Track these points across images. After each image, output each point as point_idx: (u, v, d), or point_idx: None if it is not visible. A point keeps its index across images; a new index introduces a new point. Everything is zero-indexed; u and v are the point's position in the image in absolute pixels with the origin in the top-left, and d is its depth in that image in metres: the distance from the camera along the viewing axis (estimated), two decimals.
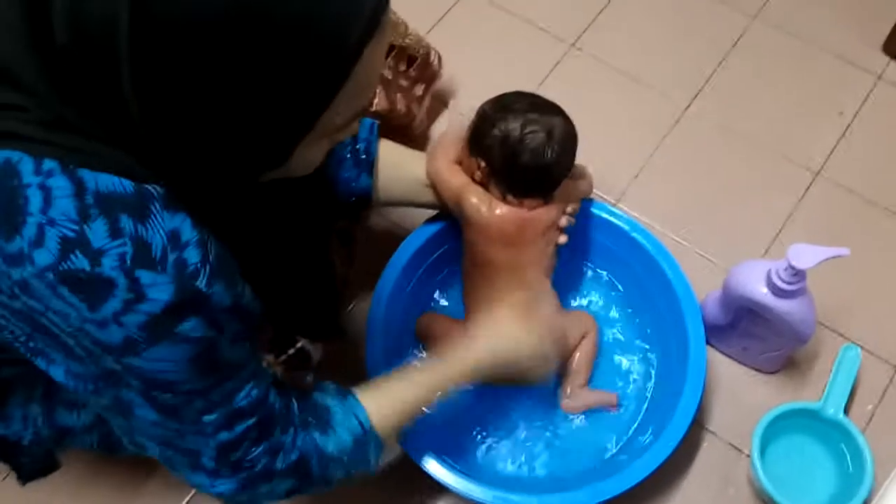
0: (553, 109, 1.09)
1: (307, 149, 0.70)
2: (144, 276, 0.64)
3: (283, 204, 0.90)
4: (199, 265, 0.67)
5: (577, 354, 1.20)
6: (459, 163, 1.13)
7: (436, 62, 1.36)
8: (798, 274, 1.03)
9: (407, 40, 1.25)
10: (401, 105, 1.22)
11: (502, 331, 1.03)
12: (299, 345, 1.05)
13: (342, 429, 0.85)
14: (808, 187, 1.40)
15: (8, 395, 0.96)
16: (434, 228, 1.22)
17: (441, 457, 1.07)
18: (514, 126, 1.06)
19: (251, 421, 0.77)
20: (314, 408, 0.86)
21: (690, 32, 1.58)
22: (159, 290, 0.64)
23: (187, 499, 1.17)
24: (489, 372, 1.00)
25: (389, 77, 1.23)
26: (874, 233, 1.36)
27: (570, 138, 1.08)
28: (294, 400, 0.84)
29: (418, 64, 1.28)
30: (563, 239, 1.12)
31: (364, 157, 1.10)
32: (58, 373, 0.71)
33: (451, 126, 1.17)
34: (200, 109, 0.61)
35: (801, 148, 1.44)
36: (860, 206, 1.39)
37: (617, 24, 1.59)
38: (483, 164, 1.09)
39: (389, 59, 1.23)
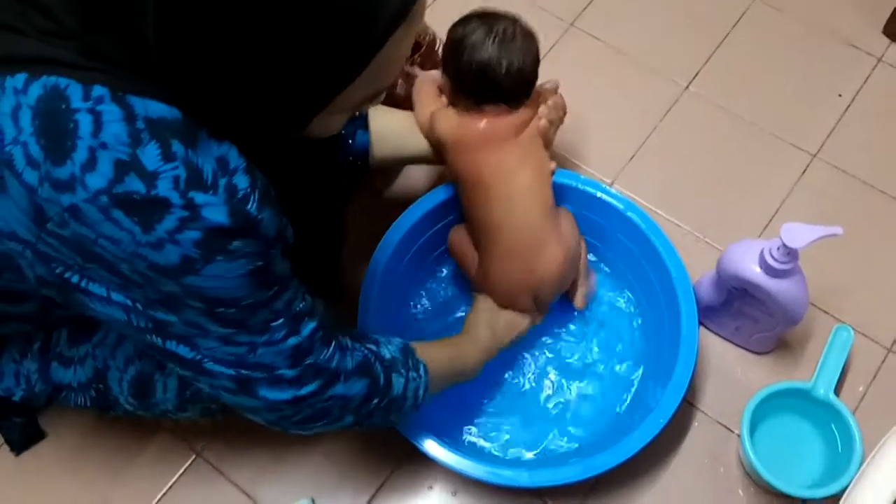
0: (499, 14, 1.10)
1: (326, 118, 0.71)
2: (198, 197, 0.64)
3: (295, 159, 0.91)
4: (248, 190, 0.68)
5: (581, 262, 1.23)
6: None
7: (440, 49, 1.35)
8: (791, 253, 1.03)
9: None
10: (401, 90, 1.22)
11: (496, 326, 1.14)
12: None
13: (389, 344, 0.92)
14: (806, 169, 1.40)
15: (1, 352, 0.97)
16: (432, 202, 1.23)
17: (435, 434, 1.08)
18: (458, 30, 1.09)
19: (314, 323, 0.79)
20: (356, 330, 0.91)
21: (690, 13, 1.58)
22: (213, 210, 0.65)
23: (183, 468, 1.18)
24: (494, 352, 1.12)
25: (419, 25, 1.22)
26: (870, 215, 1.36)
27: (515, 36, 1.08)
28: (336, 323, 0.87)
29: (423, 51, 1.28)
30: (543, 123, 1.12)
31: (357, 113, 1.10)
32: (119, 299, 0.70)
33: (422, 74, 1.19)
34: (220, 68, 0.62)
35: (800, 130, 1.44)
36: (857, 189, 1.39)
37: (616, 3, 1.59)
38: (446, 80, 1.11)
39: None
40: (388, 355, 0.90)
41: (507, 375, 1.23)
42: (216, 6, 0.58)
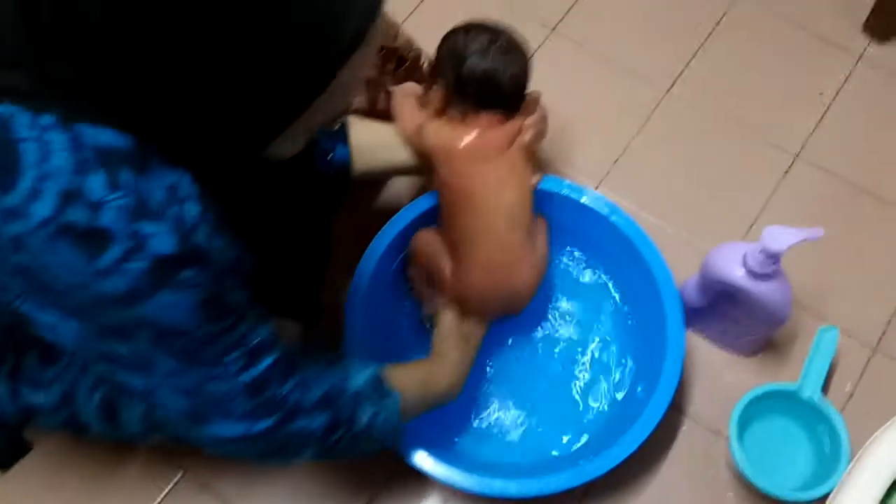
0: (499, 26, 1.13)
1: (284, 140, 0.70)
2: (144, 226, 0.64)
3: (269, 178, 0.91)
4: (198, 219, 0.67)
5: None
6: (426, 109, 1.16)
7: (425, 65, 1.35)
8: (773, 256, 1.03)
9: (397, 42, 1.24)
10: (382, 104, 1.22)
11: (466, 340, 1.13)
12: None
13: (359, 373, 0.89)
14: (788, 169, 1.40)
15: None
16: (416, 212, 1.22)
17: (422, 445, 1.08)
18: (461, 38, 1.11)
19: (273, 356, 0.77)
20: (326, 358, 0.88)
21: (671, 15, 1.58)
22: (159, 240, 0.64)
23: (171, 485, 1.18)
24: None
25: (374, 76, 1.22)
26: (853, 214, 1.36)
27: (515, 45, 1.13)
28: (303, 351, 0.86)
29: (407, 66, 1.27)
30: (529, 135, 1.13)
31: (336, 127, 1.11)
32: (68, 328, 0.70)
33: (401, 87, 1.20)
34: (173, 94, 0.61)
35: (782, 130, 1.44)
36: (840, 188, 1.39)
37: (598, 8, 1.59)
38: (440, 86, 1.12)
39: (377, 57, 1.22)
40: (355, 387, 0.87)
41: (494, 382, 1.23)
42: (167, 32, 0.57)
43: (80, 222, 0.62)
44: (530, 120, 1.13)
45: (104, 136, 0.64)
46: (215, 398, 0.75)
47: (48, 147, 0.62)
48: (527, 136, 1.12)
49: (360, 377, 0.89)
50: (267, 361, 0.76)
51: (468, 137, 1.11)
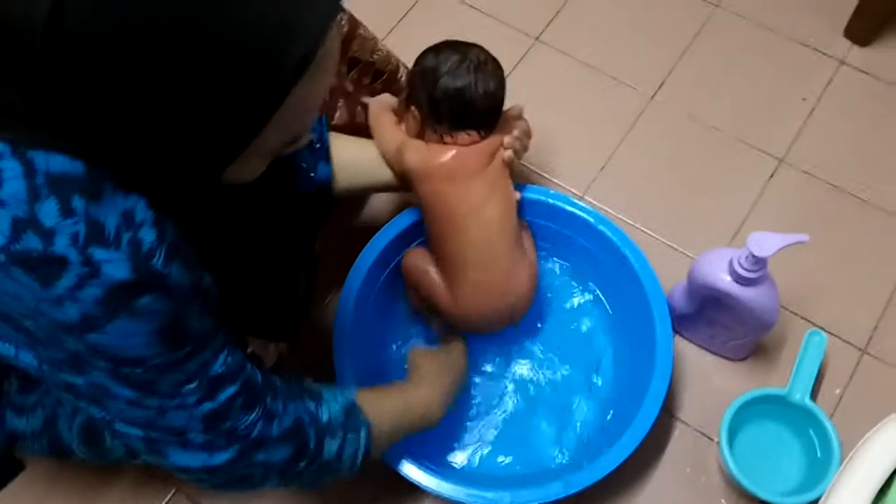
0: (469, 43, 1.13)
1: (240, 166, 0.69)
2: (98, 253, 0.63)
3: (240, 200, 0.89)
4: (154, 244, 0.66)
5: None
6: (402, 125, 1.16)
7: (403, 78, 1.35)
8: (759, 262, 1.04)
9: (376, 56, 1.24)
10: (361, 118, 1.22)
11: (449, 375, 1.12)
12: (250, 350, 1.05)
13: (333, 402, 0.87)
14: (773, 174, 1.41)
15: None
16: (403, 225, 1.23)
17: (413, 458, 1.08)
18: (431, 59, 1.11)
19: (234, 388, 0.76)
20: (299, 384, 0.86)
21: (653, 23, 1.59)
22: (114, 267, 0.63)
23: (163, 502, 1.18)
24: (452, 396, 1.10)
25: (351, 90, 1.22)
26: (839, 217, 1.37)
27: (487, 62, 1.11)
28: (274, 375, 0.84)
29: (385, 79, 1.27)
30: (508, 154, 1.13)
31: (318, 145, 1.10)
32: (27, 358, 0.69)
33: (376, 100, 1.20)
34: (117, 118, 0.60)
35: (765, 135, 1.45)
36: (824, 191, 1.39)
37: (580, 16, 1.60)
38: (415, 109, 1.12)
39: (354, 72, 1.22)
40: (325, 417, 0.86)
41: (484, 395, 1.23)
42: (109, 61, 0.57)
43: (33, 250, 0.61)
44: (509, 138, 1.13)
45: (56, 163, 0.63)
46: (173, 428, 0.74)
47: (1, 175, 0.61)
48: (507, 153, 1.12)
49: (332, 406, 0.87)
50: (228, 392, 0.75)
51: (446, 158, 1.11)
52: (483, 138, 1.12)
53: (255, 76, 0.60)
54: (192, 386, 0.72)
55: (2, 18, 0.57)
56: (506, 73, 1.47)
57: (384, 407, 0.97)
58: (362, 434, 0.90)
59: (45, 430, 0.95)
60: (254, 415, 0.78)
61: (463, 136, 1.11)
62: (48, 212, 0.62)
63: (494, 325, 1.18)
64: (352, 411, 0.90)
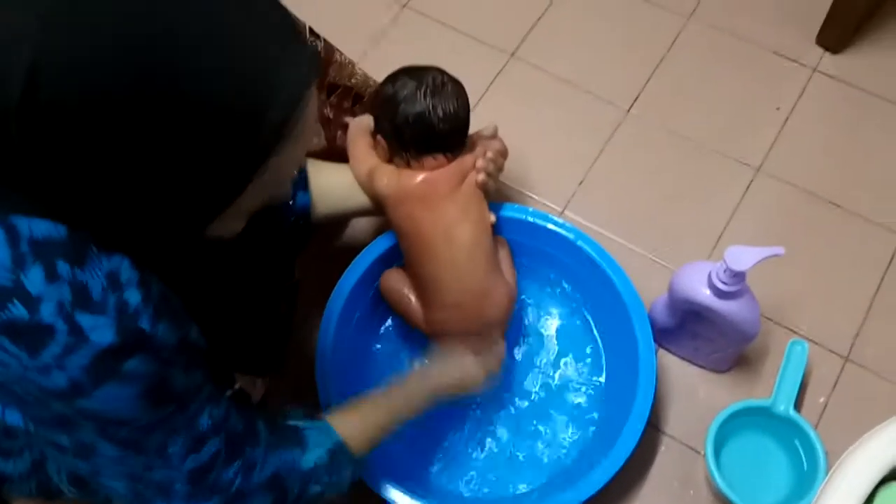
0: (425, 67, 1.12)
1: (221, 224, 0.69)
2: (84, 319, 0.63)
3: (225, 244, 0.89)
4: (140, 304, 0.66)
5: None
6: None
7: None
8: (737, 275, 1.04)
9: (353, 80, 1.24)
10: (341, 141, 1.22)
11: (454, 360, 1.09)
12: (237, 386, 1.05)
13: (315, 447, 0.86)
14: (750, 183, 1.42)
15: None
16: (381, 249, 1.22)
17: (398, 481, 1.07)
18: (389, 88, 1.11)
19: (218, 441, 0.76)
20: (284, 429, 0.86)
21: (627, 36, 1.59)
22: (100, 332, 0.63)
23: None
24: (442, 397, 1.05)
25: (331, 116, 1.22)
26: (817, 225, 1.37)
27: (445, 84, 1.10)
28: (260, 420, 0.84)
29: (365, 102, 1.27)
30: (481, 177, 1.12)
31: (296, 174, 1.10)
32: (14, 416, 0.70)
33: (355, 122, 1.19)
34: (96, 184, 0.60)
35: (741, 145, 1.46)
36: (802, 200, 1.40)
37: (554, 32, 1.60)
38: (381, 137, 1.12)
39: (333, 97, 1.22)
40: (310, 465, 0.85)
41: (464, 416, 1.22)
42: (88, 129, 0.57)
43: (19, 319, 0.61)
44: (481, 161, 1.13)
45: (39, 228, 0.63)
46: (157, 482, 0.74)
47: None
48: (479, 176, 1.12)
49: (316, 451, 0.86)
50: (212, 448, 0.75)
51: (415, 183, 1.11)
52: (451, 160, 1.12)
53: (233, 143, 0.60)
54: (178, 443, 0.73)
55: None
56: (482, 90, 1.51)
57: (366, 431, 0.95)
58: (347, 474, 0.90)
59: (34, 473, 0.94)
60: (235, 466, 0.78)
61: (429, 160, 1.11)
62: (33, 279, 0.62)
63: (471, 343, 1.15)
64: (337, 454, 0.89)
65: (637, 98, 1.51)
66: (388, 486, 1.06)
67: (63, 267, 0.63)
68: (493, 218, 1.16)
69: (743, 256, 1.01)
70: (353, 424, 0.93)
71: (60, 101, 0.56)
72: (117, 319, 0.64)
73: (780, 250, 1.02)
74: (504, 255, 1.20)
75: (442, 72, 1.12)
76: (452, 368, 1.08)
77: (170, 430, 0.72)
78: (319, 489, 0.86)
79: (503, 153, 1.18)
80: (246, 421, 0.81)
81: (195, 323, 0.75)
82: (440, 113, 1.09)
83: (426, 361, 1.12)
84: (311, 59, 0.66)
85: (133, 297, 0.66)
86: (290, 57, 0.63)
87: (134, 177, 0.60)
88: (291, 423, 0.87)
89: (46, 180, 0.60)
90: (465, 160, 1.13)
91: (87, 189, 0.60)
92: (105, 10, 0.56)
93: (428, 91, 1.09)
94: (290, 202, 1.10)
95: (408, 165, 1.12)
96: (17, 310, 0.61)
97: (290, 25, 0.65)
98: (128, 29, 0.56)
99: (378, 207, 1.16)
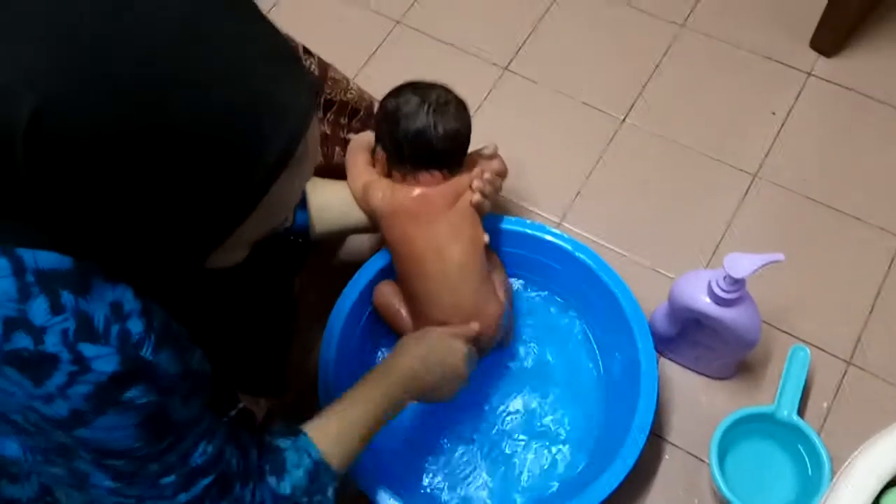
0: (430, 84, 1.13)
1: (222, 254, 0.70)
2: (88, 349, 0.64)
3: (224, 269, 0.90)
4: (143, 334, 0.67)
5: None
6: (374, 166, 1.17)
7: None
8: (737, 282, 1.04)
9: (349, 95, 1.24)
10: (339, 158, 1.22)
11: (431, 342, 1.07)
12: (241, 405, 1.05)
13: (295, 469, 0.86)
14: (748, 190, 1.42)
15: None
16: (380, 264, 1.22)
17: (394, 491, 1.07)
18: (391, 102, 1.11)
19: (209, 479, 0.76)
20: (267, 452, 0.86)
21: (620, 46, 1.60)
22: (104, 362, 0.64)
23: None
24: (422, 391, 1.04)
25: (328, 132, 1.22)
26: (815, 229, 1.37)
27: (448, 103, 1.11)
28: (254, 448, 0.84)
29: (361, 116, 1.28)
30: (476, 198, 1.12)
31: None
32: (11, 448, 0.71)
33: (356, 139, 1.20)
34: (101, 216, 0.61)
35: (738, 151, 1.46)
36: (800, 204, 1.40)
37: (548, 44, 1.60)
38: (380, 150, 1.13)
39: (329, 114, 1.23)
40: (288, 490, 0.84)
41: (464, 427, 1.22)
42: (92, 160, 0.57)
43: (24, 349, 0.63)
44: (477, 181, 1.13)
45: (44, 259, 0.64)
46: None
47: None
48: (475, 197, 1.12)
49: (295, 474, 0.85)
50: (204, 483, 0.76)
51: (409, 200, 1.11)
52: (447, 178, 1.12)
53: (234, 175, 0.61)
54: (171, 478, 0.73)
55: None
56: (477, 104, 1.51)
57: (349, 433, 0.93)
58: (329, 493, 0.89)
59: (43, 496, 0.95)
60: (228, 500, 0.78)
61: (426, 176, 1.11)
62: (38, 310, 0.63)
63: None
64: (317, 473, 0.88)
65: (632, 107, 1.52)
66: (386, 495, 1.06)
67: (67, 297, 0.64)
68: (486, 238, 1.15)
69: (742, 263, 1.01)
70: (332, 436, 0.91)
71: (65, 136, 0.56)
72: (120, 349, 0.65)
73: (779, 256, 1.02)
74: (498, 276, 1.20)
75: (447, 90, 1.13)
76: (421, 343, 1.07)
77: (164, 464, 0.72)
78: None
79: (502, 173, 1.18)
80: (239, 455, 0.81)
81: (199, 347, 0.76)
82: (440, 131, 1.09)
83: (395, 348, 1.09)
84: (310, 88, 0.66)
85: (135, 326, 0.67)
86: (290, 88, 0.63)
87: (136, 209, 0.61)
88: (272, 443, 0.87)
89: (50, 212, 0.61)
90: (462, 179, 1.13)
91: (89, 221, 0.61)
92: (108, 48, 0.56)
93: (430, 108, 1.10)
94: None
95: (404, 179, 1.12)
96: (23, 340, 0.63)
97: (290, 55, 0.66)
98: (130, 66, 0.56)
99: (374, 223, 1.16)
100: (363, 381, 1.00)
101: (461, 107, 1.13)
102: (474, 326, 1.13)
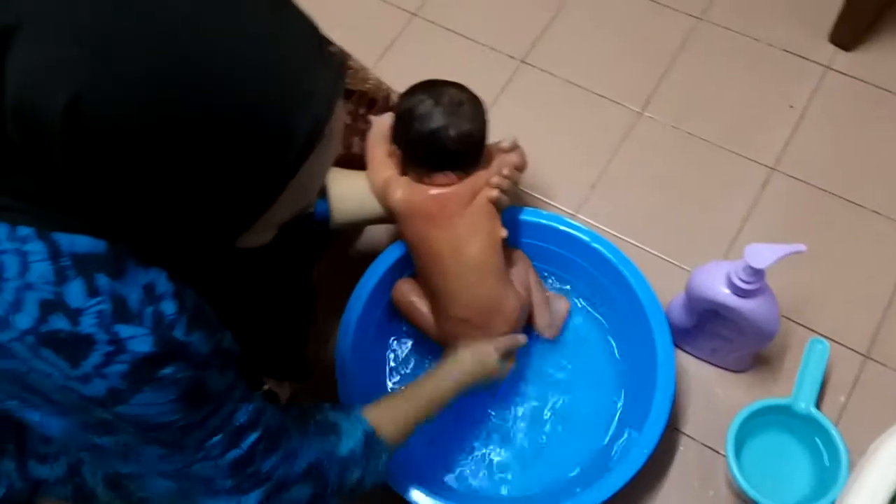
0: (445, 83, 1.12)
1: (252, 235, 0.71)
2: (123, 329, 0.65)
3: (250, 251, 0.91)
4: (176, 315, 0.68)
5: (533, 294, 1.22)
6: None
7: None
8: (757, 273, 1.03)
9: (367, 85, 1.24)
10: (357, 148, 1.22)
11: (480, 349, 1.10)
12: (266, 387, 1.06)
13: (349, 435, 0.89)
14: (766, 183, 1.41)
15: None
16: (398, 253, 1.23)
17: (422, 484, 1.08)
18: (406, 102, 1.11)
19: (256, 434, 0.78)
20: (318, 421, 0.88)
21: (638, 38, 1.59)
22: (139, 342, 0.66)
23: None
24: (465, 389, 1.07)
25: (349, 122, 1.22)
26: (833, 223, 1.37)
27: (463, 103, 1.10)
28: (289, 416, 0.86)
29: (379, 107, 1.28)
30: (493, 194, 1.12)
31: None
32: (56, 425, 0.71)
33: (376, 125, 1.19)
34: (136, 201, 0.62)
35: (756, 144, 1.45)
36: (818, 198, 1.39)
37: (565, 36, 1.60)
38: (396, 147, 1.12)
39: (348, 103, 1.23)
40: (345, 451, 0.88)
41: (488, 414, 1.23)
42: (128, 145, 0.58)
43: (61, 331, 0.64)
44: (496, 178, 1.12)
45: (80, 243, 0.65)
46: (201, 478, 0.76)
47: (27, 258, 0.64)
48: (493, 193, 1.12)
49: (350, 440, 0.89)
50: (250, 439, 0.77)
51: (426, 200, 1.11)
52: (463, 178, 1.12)
53: (265, 158, 0.62)
54: (217, 439, 0.75)
55: (21, 114, 0.58)
56: (493, 97, 1.51)
57: (398, 421, 0.97)
58: (383, 459, 0.92)
59: (70, 477, 0.97)
60: (275, 457, 0.80)
61: (440, 177, 1.11)
62: (74, 292, 0.64)
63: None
64: (372, 440, 0.91)
65: (649, 100, 1.51)
66: (412, 488, 1.07)
67: (103, 280, 0.65)
68: (504, 233, 1.15)
69: (763, 254, 1.01)
70: (383, 414, 0.95)
71: (102, 124, 0.57)
72: (154, 330, 0.66)
73: (801, 247, 1.01)
74: (521, 270, 1.20)
75: (461, 89, 1.12)
76: (473, 358, 1.09)
77: (208, 428, 0.74)
78: (358, 475, 0.89)
79: (520, 167, 1.18)
80: (280, 415, 0.82)
81: (228, 329, 0.77)
82: (453, 133, 1.08)
83: (448, 355, 1.12)
84: (338, 68, 0.67)
85: (169, 308, 0.68)
86: (318, 68, 0.64)
87: (170, 193, 0.61)
88: (322, 416, 0.89)
89: (86, 197, 0.62)
90: (479, 177, 1.13)
91: (125, 205, 0.62)
92: (141, 37, 0.57)
93: (444, 109, 1.09)
94: (310, 210, 1.11)
95: (420, 180, 1.12)
96: (60, 322, 0.64)
97: (318, 36, 0.66)
98: (163, 54, 0.57)
99: (392, 216, 1.16)
100: (417, 380, 1.05)
101: (476, 106, 1.12)
102: (522, 340, 1.16)
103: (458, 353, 1.10)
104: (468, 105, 1.11)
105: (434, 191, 1.11)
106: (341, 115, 0.68)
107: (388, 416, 0.96)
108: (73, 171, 0.60)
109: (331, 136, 0.66)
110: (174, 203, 0.62)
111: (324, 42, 0.67)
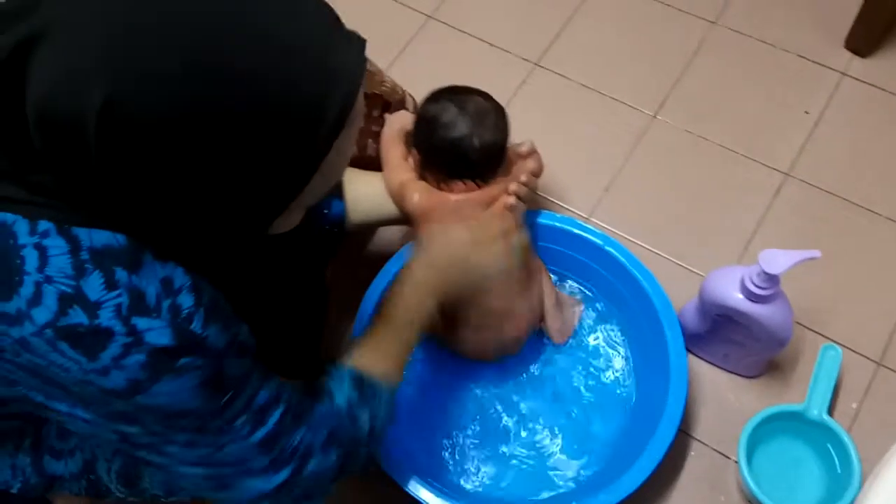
0: (471, 91, 1.12)
1: (283, 219, 0.72)
2: (141, 322, 0.66)
3: (267, 248, 0.92)
4: (193, 308, 0.69)
5: (544, 300, 1.21)
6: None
7: (411, 107, 1.36)
8: (771, 278, 1.03)
9: (383, 88, 1.24)
10: (371, 150, 1.22)
11: (433, 238, 1.05)
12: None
13: (339, 389, 0.88)
14: (779, 188, 1.41)
15: None
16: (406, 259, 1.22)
17: (422, 477, 1.07)
18: (430, 108, 1.10)
19: (280, 409, 0.79)
20: (312, 390, 0.88)
21: (652, 42, 1.59)
22: (156, 335, 0.66)
23: None
24: (438, 280, 1.00)
25: (362, 124, 1.22)
26: (847, 229, 1.36)
27: (486, 113, 1.10)
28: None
29: (392, 107, 1.28)
30: (511, 201, 1.10)
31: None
32: (81, 413, 0.72)
33: (390, 124, 1.19)
34: (169, 196, 0.63)
35: (770, 149, 1.45)
36: (832, 204, 1.39)
37: (579, 39, 1.60)
38: (415, 151, 1.12)
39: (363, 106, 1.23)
40: (343, 404, 0.86)
41: (493, 418, 1.22)
42: (164, 142, 0.59)
43: (80, 325, 0.64)
44: (514, 185, 1.12)
45: (99, 237, 0.66)
46: (232, 461, 0.77)
47: (47, 252, 0.65)
48: (510, 200, 1.11)
49: (342, 392, 0.88)
50: (275, 417, 0.78)
51: (442, 206, 1.11)
52: (481, 186, 1.12)
53: (297, 142, 0.63)
54: (242, 420, 0.75)
55: (55, 114, 0.59)
56: (507, 99, 1.50)
57: (384, 359, 0.94)
58: (384, 397, 0.91)
59: (85, 472, 0.97)
60: (301, 431, 0.80)
61: (459, 185, 1.11)
62: (93, 286, 0.65)
63: (493, 357, 1.20)
64: (361, 382, 0.89)
65: (663, 104, 1.51)
66: (412, 482, 1.07)
67: (121, 274, 0.66)
68: (524, 238, 1.14)
69: (778, 259, 1.01)
70: (365, 355, 0.93)
71: (137, 120, 0.58)
72: (171, 322, 0.67)
73: (816, 253, 1.01)
74: (535, 276, 1.19)
75: (487, 98, 1.12)
76: (434, 247, 1.04)
77: (232, 412, 0.74)
78: (367, 423, 0.88)
79: (537, 173, 1.17)
80: (297, 390, 0.83)
81: (244, 325, 0.78)
82: (476, 143, 1.08)
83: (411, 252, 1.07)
84: (358, 48, 0.68)
85: (186, 301, 0.69)
86: (342, 45, 0.65)
87: (207, 183, 0.62)
88: (317, 384, 0.89)
89: (119, 193, 0.63)
90: (497, 185, 1.12)
91: (160, 198, 0.63)
92: (173, 36, 0.58)
93: (468, 119, 1.08)
94: (326, 211, 1.11)
95: (438, 185, 1.12)
96: (78, 315, 0.64)
97: (335, 19, 0.68)
98: (194, 50, 0.58)
99: (407, 218, 1.16)
100: (383, 303, 0.99)
101: (500, 117, 1.11)
102: (510, 199, 1.10)
103: (413, 252, 1.04)
104: (493, 115, 1.10)
105: (452, 198, 1.11)
106: (362, 88, 0.69)
107: (371, 356, 0.93)
108: (106, 171, 0.60)
109: (357, 113, 0.68)
110: (211, 193, 0.63)
111: (340, 21, 0.68)
